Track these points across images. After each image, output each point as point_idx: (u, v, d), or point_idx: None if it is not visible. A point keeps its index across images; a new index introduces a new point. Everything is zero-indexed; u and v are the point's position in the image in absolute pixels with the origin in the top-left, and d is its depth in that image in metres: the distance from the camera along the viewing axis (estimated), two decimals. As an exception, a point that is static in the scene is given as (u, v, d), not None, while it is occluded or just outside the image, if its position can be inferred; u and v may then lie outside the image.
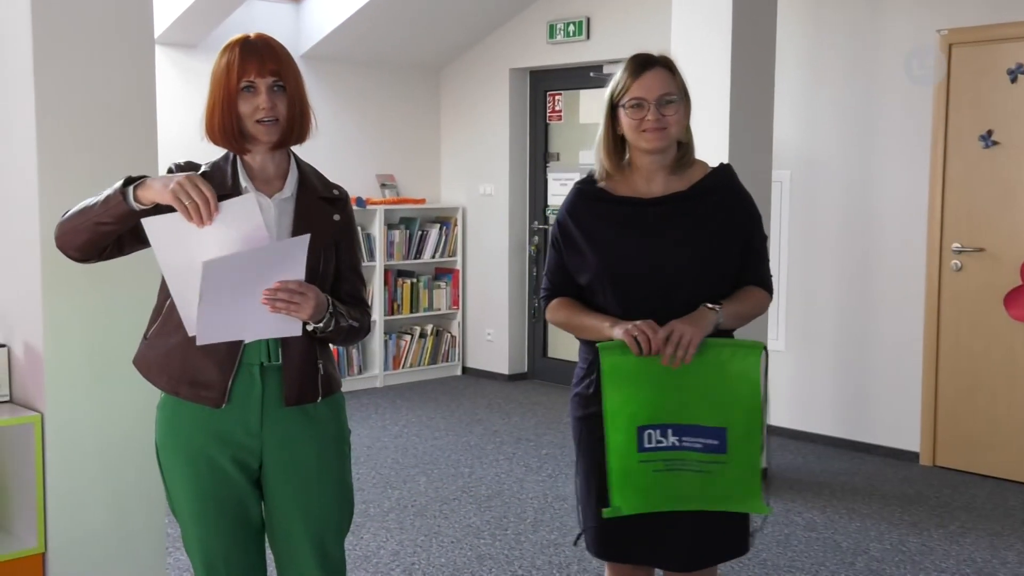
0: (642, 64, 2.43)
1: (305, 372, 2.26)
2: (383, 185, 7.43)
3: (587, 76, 7.13)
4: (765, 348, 2.39)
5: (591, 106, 7.33)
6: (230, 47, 2.24)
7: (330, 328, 2.23)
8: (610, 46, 6.79)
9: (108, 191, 2.14)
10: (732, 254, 2.48)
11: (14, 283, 3.02)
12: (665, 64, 2.45)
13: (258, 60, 2.20)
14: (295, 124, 2.26)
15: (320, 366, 2.30)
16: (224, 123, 2.22)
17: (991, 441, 5.22)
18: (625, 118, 2.42)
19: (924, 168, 5.38)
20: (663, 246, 2.42)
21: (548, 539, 4.30)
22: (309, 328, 2.22)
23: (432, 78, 7.75)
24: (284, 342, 2.23)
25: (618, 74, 2.45)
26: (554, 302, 2.56)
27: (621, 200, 2.47)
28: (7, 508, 3.06)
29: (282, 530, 2.32)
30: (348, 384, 6.89)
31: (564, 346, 7.47)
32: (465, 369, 7.79)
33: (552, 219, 7.44)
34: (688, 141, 2.50)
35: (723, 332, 2.43)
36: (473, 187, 7.68)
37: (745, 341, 2.40)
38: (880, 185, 5.55)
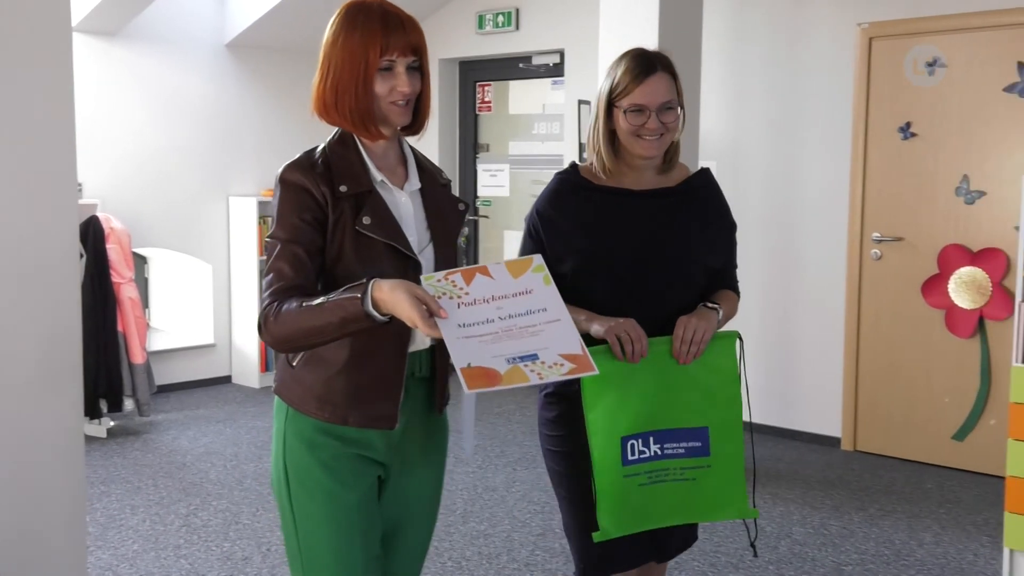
0: (645, 68, 2.36)
1: (445, 380, 2.16)
2: (311, 176, 7.35)
3: (516, 67, 7.14)
4: (739, 336, 2.37)
5: (520, 97, 7.34)
6: (363, 17, 1.99)
7: None
8: (539, 37, 6.81)
9: (338, 307, 1.85)
10: (714, 253, 2.48)
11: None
12: (667, 67, 2.39)
13: (403, 36, 1.98)
14: (427, 105, 2.08)
15: (449, 373, 2.22)
16: (358, 105, 1.99)
17: (909, 426, 5.36)
18: (623, 121, 2.37)
19: (845, 159, 5.49)
20: (655, 236, 2.39)
21: (478, 530, 4.31)
22: None
23: (360, 68, 7.68)
24: (437, 352, 2.10)
25: (618, 72, 2.39)
26: None
27: (610, 190, 2.43)
28: (-81, 509, 2.97)
29: (397, 542, 2.19)
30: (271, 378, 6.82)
31: (495, 337, 7.47)
32: (395, 361, 7.74)
33: (482, 210, 7.44)
34: (677, 141, 2.48)
35: None
36: (402, 178, 7.63)
37: (719, 331, 2.37)
38: (803, 176, 5.65)
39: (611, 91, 2.39)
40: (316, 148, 2.06)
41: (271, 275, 1.97)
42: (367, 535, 2.07)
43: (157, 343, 6.62)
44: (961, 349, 5.17)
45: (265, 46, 7.03)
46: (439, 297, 1.86)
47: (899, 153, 5.32)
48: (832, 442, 5.62)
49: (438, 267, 2.08)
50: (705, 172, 2.56)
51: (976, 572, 3.92)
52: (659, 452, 2.29)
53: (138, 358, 5.80)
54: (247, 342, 7.00)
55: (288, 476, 2.06)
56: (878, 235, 5.41)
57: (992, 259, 5.04)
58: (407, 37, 1.99)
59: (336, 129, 2.08)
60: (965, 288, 5.13)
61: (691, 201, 2.47)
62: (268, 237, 2.00)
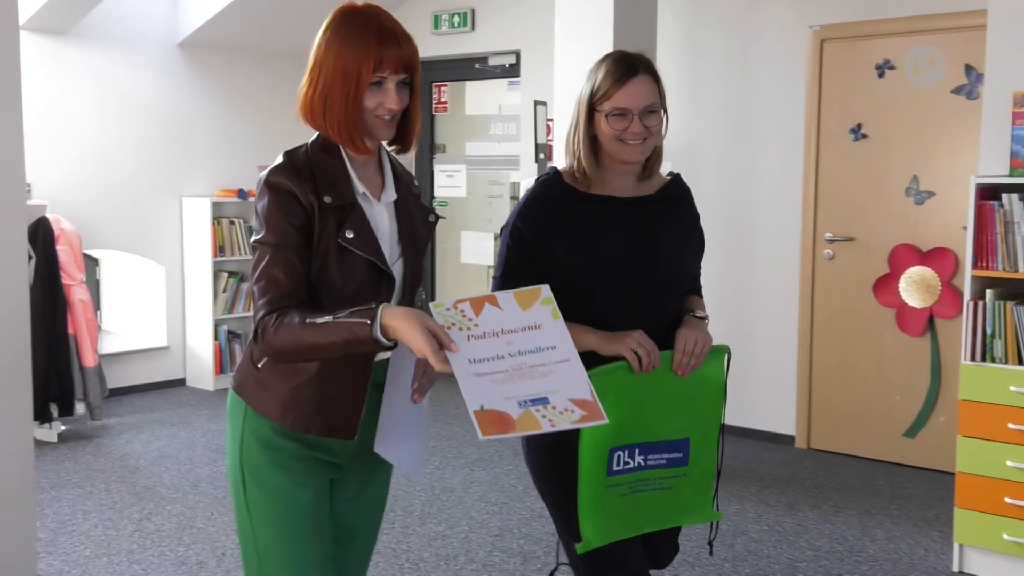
0: (627, 71, 2.29)
1: None
2: (266, 176, 7.28)
3: (473, 67, 7.13)
4: (728, 350, 2.36)
5: (477, 97, 7.34)
6: (358, 28, 1.95)
7: None
8: (495, 38, 6.81)
9: (344, 327, 1.82)
10: (693, 260, 2.48)
11: None
12: (648, 69, 2.32)
13: (397, 53, 1.95)
14: (412, 122, 2.06)
15: None
16: (346, 118, 1.95)
17: (861, 423, 5.43)
18: (605, 126, 2.29)
19: (798, 160, 5.55)
20: (645, 246, 2.35)
21: (436, 531, 4.30)
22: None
23: (315, 68, 7.63)
24: (393, 358, 2.07)
25: (598, 76, 2.31)
26: None
27: (598, 199, 2.35)
28: None
29: (348, 542, 2.18)
30: (227, 381, 6.76)
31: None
32: (352, 362, 7.70)
33: (440, 211, 7.42)
34: (660, 146, 2.40)
35: None
36: (358, 178, 7.59)
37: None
38: (756, 176, 5.71)
39: (592, 95, 2.32)
40: (298, 151, 2.01)
41: (264, 282, 1.92)
42: (322, 534, 2.07)
43: (109, 346, 6.52)
44: (912, 347, 5.25)
45: (218, 45, 6.96)
46: (448, 328, 1.84)
47: (850, 154, 5.39)
48: (786, 440, 5.68)
49: (407, 280, 2.08)
50: (679, 178, 2.52)
51: (927, 567, 3.98)
52: (643, 463, 2.28)
53: (89, 361, 5.71)
54: (201, 344, 6.92)
55: (245, 476, 2.05)
56: (830, 235, 5.48)
57: (941, 259, 5.13)
58: (401, 53, 1.96)
59: (316, 133, 2.04)
60: (915, 287, 5.21)
61: (671, 208, 2.44)
62: (256, 241, 1.95)
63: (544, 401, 1.82)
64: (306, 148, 2.02)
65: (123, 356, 6.70)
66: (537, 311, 1.90)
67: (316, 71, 1.97)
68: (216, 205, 6.85)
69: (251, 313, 7.29)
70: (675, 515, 2.39)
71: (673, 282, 2.40)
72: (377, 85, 1.95)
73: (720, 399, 2.36)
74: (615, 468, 2.25)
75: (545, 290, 1.93)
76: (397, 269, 2.06)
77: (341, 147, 2.01)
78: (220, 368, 6.90)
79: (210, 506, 4.58)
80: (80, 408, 5.72)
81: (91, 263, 6.46)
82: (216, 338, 6.87)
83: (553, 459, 2.36)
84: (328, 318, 1.85)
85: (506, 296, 1.90)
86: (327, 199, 1.94)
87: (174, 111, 6.87)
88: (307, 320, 1.86)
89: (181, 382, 7.03)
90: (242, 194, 6.89)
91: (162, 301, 6.82)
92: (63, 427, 5.77)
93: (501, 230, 2.44)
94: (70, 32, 6.31)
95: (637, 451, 2.27)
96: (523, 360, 1.85)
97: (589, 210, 2.35)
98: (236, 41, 6.95)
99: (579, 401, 1.84)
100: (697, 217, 2.53)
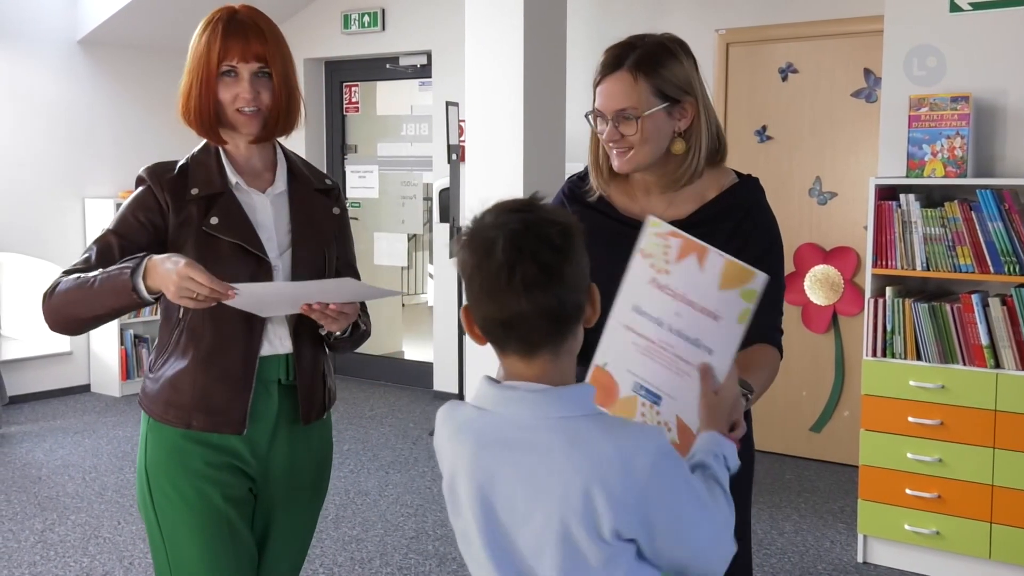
0: (608, 63, 1.92)
1: (316, 387, 2.10)
2: (172, 177, 7.14)
3: (383, 67, 7.09)
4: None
5: (388, 98, 7.30)
6: (212, 22, 1.99)
7: (346, 334, 2.08)
8: (406, 38, 6.79)
9: (108, 278, 1.89)
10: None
11: None
12: (638, 64, 1.91)
13: (242, 42, 1.97)
14: (280, 115, 2.05)
15: (326, 380, 2.14)
16: (201, 110, 2.00)
17: (769, 419, 5.54)
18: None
19: (706, 161, 5.64)
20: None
21: (350, 535, 4.27)
22: (324, 333, 2.05)
23: (223, 67, 7.52)
24: (297, 358, 2.04)
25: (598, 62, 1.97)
26: None
27: (616, 217, 1.98)
28: None
29: (272, 556, 2.13)
30: (133, 386, 6.62)
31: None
32: (263, 366, 7.59)
33: (352, 212, 7.36)
34: (688, 152, 1.93)
35: None
36: (268, 179, 7.49)
37: None
38: (666, 178, 5.78)
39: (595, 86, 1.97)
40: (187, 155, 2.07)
41: (81, 257, 2.00)
42: (239, 544, 2.02)
43: (9, 352, 6.33)
44: (817, 344, 5.39)
45: (121, 43, 6.79)
46: (648, 256, 1.58)
47: (756, 155, 5.50)
48: (697, 436, 5.76)
49: (297, 271, 2.06)
50: (743, 186, 2.01)
51: (833, 558, 4.09)
52: None
53: (-12, 369, 5.53)
54: (106, 349, 6.74)
55: (151, 487, 2.01)
56: (738, 235, 5.58)
57: (843, 257, 5.27)
58: (247, 43, 1.98)
59: None
60: (819, 285, 5.35)
61: (712, 233, 1.82)
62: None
63: (656, 399, 1.58)
64: (194, 150, 2.10)
65: (24, 362, 6.50)
66: (730, 298, 1.53)
67: (185, 71, 2.05)
68: (120, 206, 6.68)
69: (157, 318, 7.11)
70: None
71: None
72: (229, 75, 1.99)
73: None
74: None
75: (758, 280, 1.53)
76: (286, 259, 2.05)
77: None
78: (126, 374, 6.74)
79: (116, 515, 4.47)
80: (-22, 417, 5.54)
81: (-11, 267, 6.26)
82: (122, 343, 6.70)
83: None
84: (100, 271, 1.91)
85: (717, 260, 1.54)
86: (194, 191, 2.01)
87: (76, 110, 6.68)
88: (80, 276, 1.93)
89: (85, 388, 6.84)
90: (148, 195, 6.73)
91: (64, 305, 6.63)
92: (-40, 437, 5.57)
93: None
94: (-36, 28, 6.10)
95: None
96: (674, 342, 1.55)
97: (599, 224, 1.94)
98: (139, 38, 6.79)
99: (683, 426, 1.56)
100: (759, 236, 1.97)
